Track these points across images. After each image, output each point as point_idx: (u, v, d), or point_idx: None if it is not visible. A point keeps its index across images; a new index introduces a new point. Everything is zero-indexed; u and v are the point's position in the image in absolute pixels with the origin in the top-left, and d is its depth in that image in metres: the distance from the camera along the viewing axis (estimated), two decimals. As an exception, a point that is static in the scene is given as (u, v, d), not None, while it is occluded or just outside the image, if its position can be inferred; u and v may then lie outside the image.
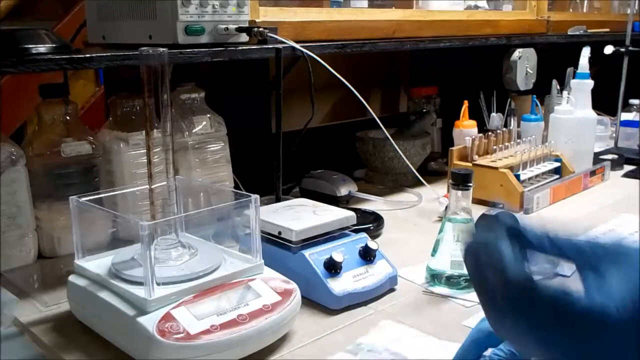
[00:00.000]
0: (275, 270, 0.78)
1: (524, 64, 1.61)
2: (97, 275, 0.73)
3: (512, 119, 1.52)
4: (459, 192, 0.87)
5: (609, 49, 1.64)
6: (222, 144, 1.12)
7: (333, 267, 0.81)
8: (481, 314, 0.78)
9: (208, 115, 1.10)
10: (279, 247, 0.85)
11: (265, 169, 1.18)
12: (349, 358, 0.69)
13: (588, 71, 1.45)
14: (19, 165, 0.92)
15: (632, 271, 0.42)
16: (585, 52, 1.46)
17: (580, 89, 1.45)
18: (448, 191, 0.97)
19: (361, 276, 0.83)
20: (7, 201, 0.91)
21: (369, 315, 0.80)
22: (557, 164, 1.40)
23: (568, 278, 0.44)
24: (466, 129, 1.43)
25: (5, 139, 0.93)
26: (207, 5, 0.96)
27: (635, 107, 1.89)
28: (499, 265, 0.44)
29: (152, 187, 0.74)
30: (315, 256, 0.82)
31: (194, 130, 1.07)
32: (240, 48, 1.01)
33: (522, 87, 1.62)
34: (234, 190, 1.00)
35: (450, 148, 1.34)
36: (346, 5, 1.47)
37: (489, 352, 0.59)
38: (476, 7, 1.70)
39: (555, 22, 1.79)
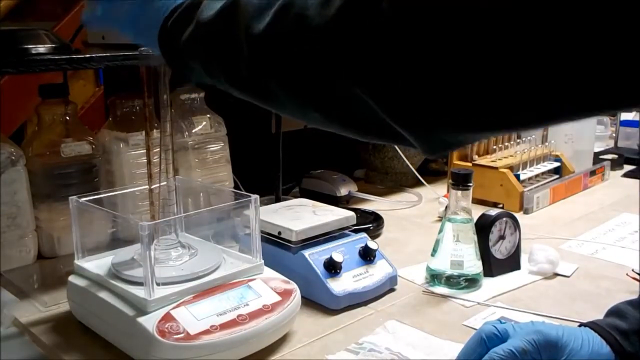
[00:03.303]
0: (275, 270, 0.78)
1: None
2: (97, 276, 0.73)
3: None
4: (459, 192, 0.87)
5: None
6: (222, 144, 1.12)
7: (333, 267, 0.81)
8: (481, 314, 0.79)
9: (208, 115, 1.10)
10: (279, 247, 0.85)
11: (265, 169, 1.18)
12: (350, 357, 0.69)
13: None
14: (19, 165, 0.92)
15: None
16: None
17: (580, 88, 1.45)
18: (448, 191, 0.97)
19: (361, 276, 0.83)
20: (7, 201, 0.91)
21: (369, 315, 0.80)
22: (557, 164, 1.40)
23: None
24: (466, 129, 1.43)
25: (5, 139, 0.93)
26: (207, 5, 0.96)
27: (635, 106, 1.89)
28: None
29: (152, 187, 0.74)
30: (315, 256, 0.82)
31: (194, 130, 1.07)
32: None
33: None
34: (234, 190, 1.00)
35: (450, 148, 1.34)
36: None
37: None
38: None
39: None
